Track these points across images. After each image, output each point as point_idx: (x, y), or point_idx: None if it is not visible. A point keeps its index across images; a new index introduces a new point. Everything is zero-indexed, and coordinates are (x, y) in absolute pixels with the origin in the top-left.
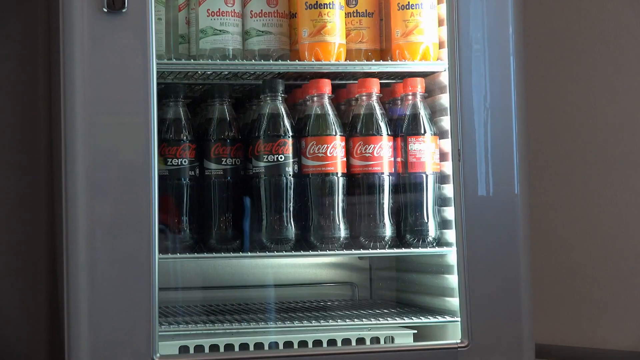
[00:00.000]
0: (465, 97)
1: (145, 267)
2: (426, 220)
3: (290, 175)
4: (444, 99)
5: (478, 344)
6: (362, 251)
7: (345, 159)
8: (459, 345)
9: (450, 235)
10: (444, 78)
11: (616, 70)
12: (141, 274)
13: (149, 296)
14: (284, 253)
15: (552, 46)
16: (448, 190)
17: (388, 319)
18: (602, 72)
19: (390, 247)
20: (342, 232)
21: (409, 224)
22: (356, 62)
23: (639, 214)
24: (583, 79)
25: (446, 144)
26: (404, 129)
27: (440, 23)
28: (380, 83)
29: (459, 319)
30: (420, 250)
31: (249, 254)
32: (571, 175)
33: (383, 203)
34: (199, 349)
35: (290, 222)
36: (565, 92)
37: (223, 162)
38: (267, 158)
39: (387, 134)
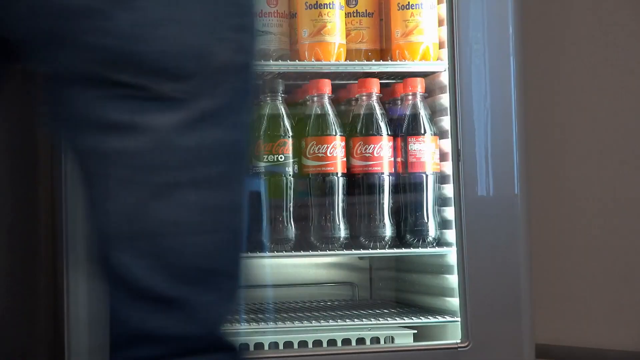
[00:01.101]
0: (465, 97)
1: None
2: (426, 220)
3: (290, 175)
4: (444, 99)
5: (478, 344)
6: (362, 251)
7: (345, 159)
8: (459, 345)
9: (450, 235)
10: (444, 78)
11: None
12: None
13: None
14: (284, 253)
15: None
16: (448, 190)
17: (388, 319)
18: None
19: (390, 247)
20: (342, 232)
21: (409, 224)
22: (356, 62)
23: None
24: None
25: (446, 144)
26: (404, 129)
27: (440, 23)
28: (380, 83)
29: (459, 319)
30: (420, 250)
31: (249, 254)
32: (570, 174)
33: (383, 203)
34: None
35: (290, 222)
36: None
37: None
38: (267, 158)
39: (387, 134)
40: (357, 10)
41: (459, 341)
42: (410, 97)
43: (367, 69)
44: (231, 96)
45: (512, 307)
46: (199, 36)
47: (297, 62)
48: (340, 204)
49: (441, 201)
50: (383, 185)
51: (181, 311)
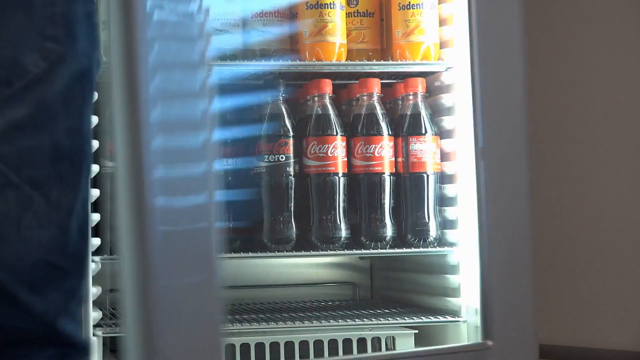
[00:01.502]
0: (483, 94)
1: None
2: (427, 220)
3: (291, 175)
4: (445, 99)
5: (500, 344)
6: (362, 251)
7: (346, 159)
8: (482, 346)
9: (451, 235)
10: (445, 78)
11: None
12: None
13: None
14: (285, 253)
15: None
16: (449, 190)
17: (389, 319)
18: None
19: (391, 247)
20: (343, 232)
21: (409, 224)
22: (357, 62)
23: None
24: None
25: (447, 144)
26: (405, 129)
27: (441, 23)
28: (381, 83)
29: (460, 319)
30: (421, 250)
31: (250, 254)
32: (571, 174)
33: (384, 203)
34: None
35: (291, 222)
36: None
37: (224, 162)
38: (268, 158)
39: (388, 134)
40: (357, 10)
41: (481, 342)
42: (411, 97)
43: (367, 69)
44: (50, 103)
45: (518, 307)
46: (8, 46)
47: (297, 62)
48: (341, 204)
49: (442, 201)
50: (384, 185)
51: (16, 304)
